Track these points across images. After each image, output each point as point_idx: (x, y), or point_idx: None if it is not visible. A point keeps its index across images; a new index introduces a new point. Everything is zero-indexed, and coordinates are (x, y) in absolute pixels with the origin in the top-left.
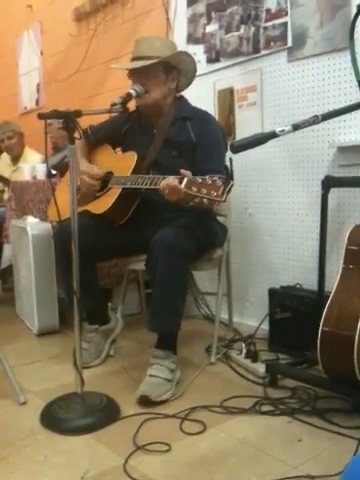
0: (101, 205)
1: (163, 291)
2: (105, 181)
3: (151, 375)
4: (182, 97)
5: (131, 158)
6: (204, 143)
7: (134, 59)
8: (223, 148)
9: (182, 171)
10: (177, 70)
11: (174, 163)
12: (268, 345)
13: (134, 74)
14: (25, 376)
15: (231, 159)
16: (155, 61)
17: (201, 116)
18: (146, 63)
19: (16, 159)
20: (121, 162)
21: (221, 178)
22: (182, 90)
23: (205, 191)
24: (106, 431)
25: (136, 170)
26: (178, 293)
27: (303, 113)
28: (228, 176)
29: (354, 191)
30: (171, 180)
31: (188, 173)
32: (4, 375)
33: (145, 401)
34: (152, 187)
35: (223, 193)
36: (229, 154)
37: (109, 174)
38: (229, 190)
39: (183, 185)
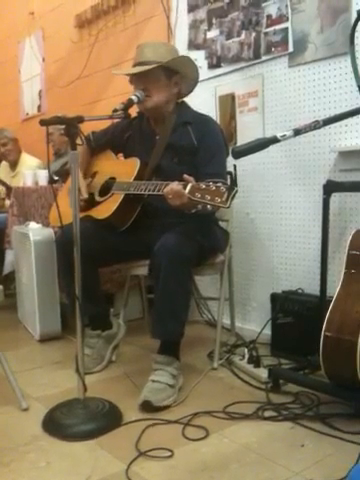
0: (104, 211)
1: (166, 298)
2: (108, 187)
3: (153, 381)
4: (183, 102)
5: (133, 164)
6: (205, 146)
7: (136, 64)
8: (224, 151)
9: (185, 177)
10: (180, 75)
11: (176, 169)
12: (270, 350)
13: (136, 79)
14: (27, 382)
15: (235, 165)
16: (154, 66)
17: (202, 120)
18: (146, 68)
19: (13, 165)
20: (123, 168)
21: (225, 184)
22: (183, 97)
23: (209, 197)
24: (108, 437)
25: (138, 176)
26: (181, 299)
27: (304, 118)
28: (232, 182)
29: (355, 196)
30: (175, 186)
31: (191, 179)
32: (6, 381)
33: (147, 406)
34: (155, 193)
35: (227, 199)
36: (232, 160)
37: (111, 180)
38: (233, 196)
39: (187, 191)
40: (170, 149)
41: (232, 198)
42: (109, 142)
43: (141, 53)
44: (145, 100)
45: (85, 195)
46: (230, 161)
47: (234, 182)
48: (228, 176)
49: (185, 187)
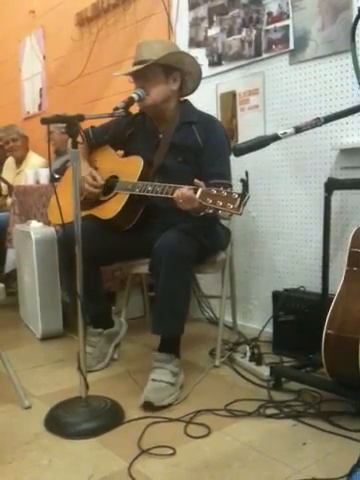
0: (108, 210)
1: (166, 295)
2: (110, 185)
3: (154, 379)
4: (186, 101)
5: (137, 163)
6: (210, 146)
7: (135, 63)
8: (228, 152)
9: (196, 181)
10: (180, 72)
11: (180, 169)
12: (272, 348)
13: (135, 78)
14: (29, 380)
15: (247, 172)
16: (148, 63)
17: (207, 119)
18: (139, 67)
19: (19, 162)
20: (126, 166)
21: (233, 190)
22: (189, 94)
23: (221, 203)
24: (110, 435)
25: (143, 176)
26: (181, 297)
27: (305, 115)
28: (244, 188)
29: (357, 193)
30: (185, 190)
31: (202, 184)
32: (8, 380)
33: (149, 407)
34: (164, 196)
35: (240, 206)
36: (244, 166)
37: (113, 178)
38: (245, 203)
39: (198, 196)
40: (174, 148)
41: (244, 204)
42: (110, 138)
43: (138, 52)
44: (144, 98)
45: (101, 181)
46: (243, 167)
47: (246, 188)
48: (241, 183)
49: (196, 192)
